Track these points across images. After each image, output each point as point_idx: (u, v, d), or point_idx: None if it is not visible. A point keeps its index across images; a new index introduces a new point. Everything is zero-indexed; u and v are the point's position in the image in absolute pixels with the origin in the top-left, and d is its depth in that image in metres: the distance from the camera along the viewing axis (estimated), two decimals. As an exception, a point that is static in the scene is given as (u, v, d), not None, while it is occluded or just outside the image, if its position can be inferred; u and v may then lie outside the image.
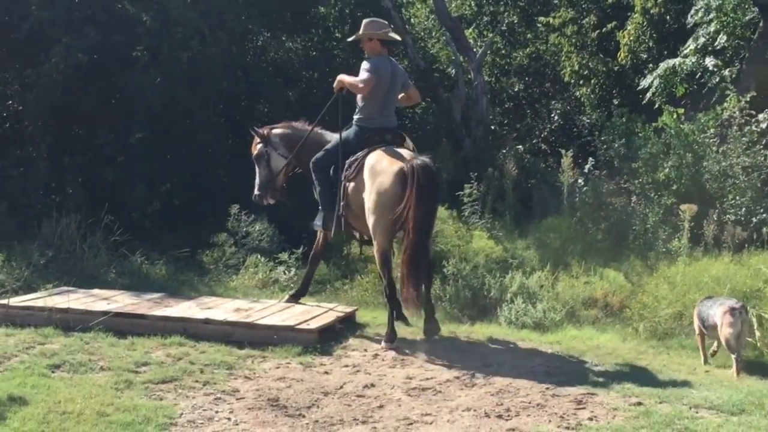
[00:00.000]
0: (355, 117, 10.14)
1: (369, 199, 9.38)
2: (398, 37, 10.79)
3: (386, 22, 10.49)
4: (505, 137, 18.28)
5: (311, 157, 10.34)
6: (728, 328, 8.35)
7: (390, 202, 9.22)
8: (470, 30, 21.80)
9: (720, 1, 14.86)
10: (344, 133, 10.13)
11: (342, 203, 9.83)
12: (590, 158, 15.42)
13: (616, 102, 18.61)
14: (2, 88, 16.58)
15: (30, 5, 15.34)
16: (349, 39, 11.16)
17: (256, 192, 10.94)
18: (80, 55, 14.85)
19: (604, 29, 19.37)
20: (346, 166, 9.83)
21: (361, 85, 9.91)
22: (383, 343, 9.31)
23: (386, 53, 10.27)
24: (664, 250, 11.91)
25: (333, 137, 10.32)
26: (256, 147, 10.89)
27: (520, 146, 17.59)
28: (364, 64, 9.98)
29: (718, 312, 8.54)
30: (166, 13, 15.17)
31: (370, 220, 9.40)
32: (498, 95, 21.27)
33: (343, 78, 10.22)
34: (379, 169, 9.39)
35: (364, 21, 10.37)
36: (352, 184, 9.73)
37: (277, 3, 17.03)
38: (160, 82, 14.96)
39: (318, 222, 10.25)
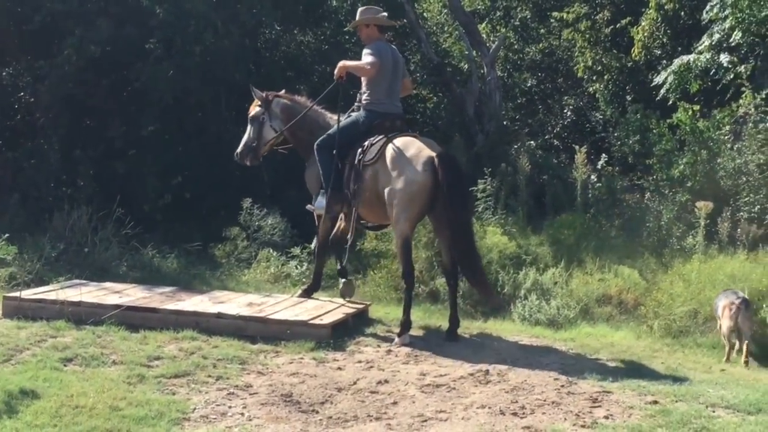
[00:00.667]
0: (363, 101, 10.03)
1: (395, 187, 9.33)
2: (395, 23, 10.69)
3: (381, 9, 10.40)
4: (517, 132, 18.16)
5: (307, 135, 10.33)
6: (727, 321, 8.85)
7: (419, 192, 9.25)
8: (483, 25, 21.65)
9: (735, -3, 14.73)
10: (353, 116, 10.07)
11: (354, 187, 9.73)
12: (603, 154, 15.34)
13: (629, 98, 18.47)
14: (14, 80, 16.62)
15: (43, -4, 15.33)
16: (347, 27, 11.03)
17: (238, 150, 10.82)
18: (93, 47, 14.82)
19: (618, 25, 19.23)
20: (360, 150, 9.74)
21: (368, 67, 9.83)
22: (397, 338, 9.28)
23: (384, 39, 10.23)
24: (678, 247, 11.86)
25: (335, 119, 10.21)
26: (254, 108, 10.74)
27: (532, 141, 17.46)
28: (366, 50, 9.90)
29: (720, 304, 9.02)
30: (180, 5, 15.14)
31: (396, 208, 9.34)
32: (510, 90, 21.15)
33: (347, 63, 10.17)
34: (407, 158, 9.36)
35: (360, 9, 10.37)
36: (369, 170, 9.64)
37: (289, -4, 17.03)
38: (173, 75, 14.95)
39: (320, 204, 10.05)
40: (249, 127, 10.78)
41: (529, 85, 21.90)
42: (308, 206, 10.40)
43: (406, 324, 9.41)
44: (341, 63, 10.14)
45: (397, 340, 9.25)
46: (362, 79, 10.03)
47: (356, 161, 9.72)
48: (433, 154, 9.32)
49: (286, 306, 9.98)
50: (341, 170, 9.85)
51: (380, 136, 9.71)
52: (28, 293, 9.97)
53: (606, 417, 6.90)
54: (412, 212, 9.38)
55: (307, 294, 10.61)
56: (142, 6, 15.42)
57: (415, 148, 9.47)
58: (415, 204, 9.33)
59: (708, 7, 15.10)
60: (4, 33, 16.17)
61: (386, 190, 9.43)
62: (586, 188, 13.75)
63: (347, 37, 17.60)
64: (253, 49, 16.70)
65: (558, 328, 10.16)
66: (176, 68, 15.00)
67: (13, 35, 16.12)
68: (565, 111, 20.75)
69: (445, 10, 22.12)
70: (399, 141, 9.58)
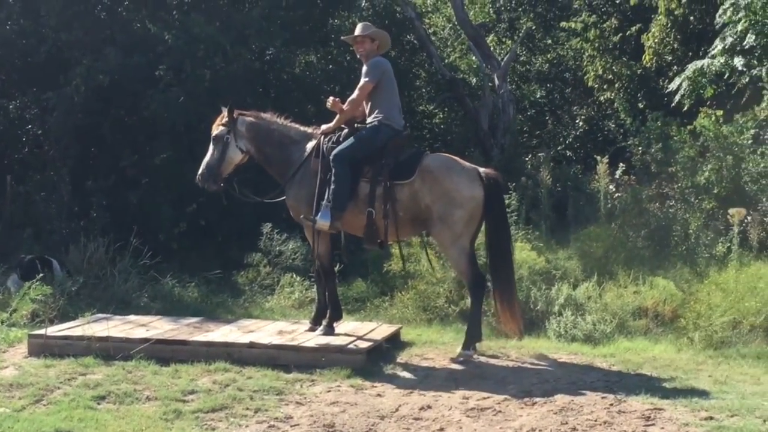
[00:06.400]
0: (377, 116, 9.63)
1: (450, 204, 9.22)
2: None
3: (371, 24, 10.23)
4: (531, 145, 18.07)
5: (277, 150, 10.00)
6: None
7: (477, 207, 9.27)
8: (489, 37, 21.59)
9: (749, 0, 14.58)
10: (369, 129, 9.64)
11: (384, 207, 9.35)
12: (621, 164, 15.19)
13: (641, 105, 18.36)
14: (21, 112, 16.45)
15: (47, 27, 15.15)
16: (343, 38, 10.68)
17: (199, 173, 10.16)
18: (101, 76, 14.64)
19: (627, 32, 19.14)
20: (383, 167, 9.42)
21: (349, 106, 9.74)
22: (461, 350, 9.27)
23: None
24: (707, 255, 11.67)
25: (304, 131, 10.02)
26: (218, 127, 10.12)
27: (542, 154, 17.31)
28: (365, 68, 9.70)
29: None
30: (188, 30, 14.97)
31: (455, 226, 9.25)
32: (519, 102, 21.04)
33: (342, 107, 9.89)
34: (457, 174, 9.35)
35: (360, 24, 10.09)
36: (405, 190, 9.36)
37: (295, 17, 16.91)
38: (183, 101, 14.74)
39: (324, 218, 9.39)
40: (211, 147, 10.18)
41: (538, 96, 21.78)
42: (304, 218, 9.68)
43: (473, 337, 9.35)
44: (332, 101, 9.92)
45: (461, 352, 9.23)
46: (369, 94, 9.73)
47: (384, 180, 9.40)
48: (480, 168, 9.45)
49: (318, 332, 9.75)
50: (355, 186, 9.52)
51: (409, 154, 9.62)
52: (53, 330, 9.73)
53: (663, 436, 6.71)
54: (472, 228, 9.41)
55: (330, 328, 9.85)
56: (149, 33, 15.27)
57: (458, 164, 9.49)
58: (475, 220, 9.36)
59: (721, 11, 14.98)
60: (9, 65, 16.04)
61: (435, 208, 9.27)
62: (607, 199, 13.58)
63: (352, 57, 17.48)
64: (261, 71, 16.52)
65: (595, 343, 9.94)
66: (186, 94, 14.81)
67: (19, 67, 16.00)
68: (577, 121, 20.62)
69: (450, 25, 22.03)
70: (438, 158, 9.63)
